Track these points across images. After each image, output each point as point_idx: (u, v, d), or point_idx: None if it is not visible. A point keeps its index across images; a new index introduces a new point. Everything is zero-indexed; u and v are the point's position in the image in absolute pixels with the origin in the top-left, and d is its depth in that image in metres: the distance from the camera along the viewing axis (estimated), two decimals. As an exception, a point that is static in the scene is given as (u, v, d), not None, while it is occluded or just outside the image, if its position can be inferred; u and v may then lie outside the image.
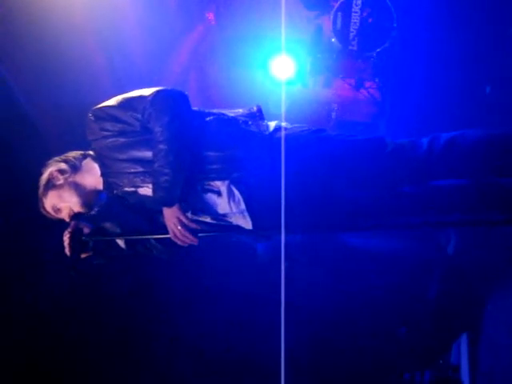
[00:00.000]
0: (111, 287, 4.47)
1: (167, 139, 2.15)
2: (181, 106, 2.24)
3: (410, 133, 2.50)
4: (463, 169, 2.26)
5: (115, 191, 2.39)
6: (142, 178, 2.30)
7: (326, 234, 4.21)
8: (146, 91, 2.24)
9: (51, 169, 2.41)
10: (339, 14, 4.66)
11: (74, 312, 4.33)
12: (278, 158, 2.25)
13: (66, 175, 2.39)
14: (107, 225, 2.49)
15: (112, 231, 2.48)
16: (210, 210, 2.36)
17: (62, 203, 2.39)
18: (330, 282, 4.49)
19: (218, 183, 2.29)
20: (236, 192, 2.30)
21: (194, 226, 2.27)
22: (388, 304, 4.15)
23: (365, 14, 4.62)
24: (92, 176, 2.42)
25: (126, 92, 2.34)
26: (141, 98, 2.23)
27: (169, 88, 2.26)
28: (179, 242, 2.29)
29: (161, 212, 2.28)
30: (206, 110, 2.43)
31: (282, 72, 4.88)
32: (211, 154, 2.27)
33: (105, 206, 2.49)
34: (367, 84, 4.99)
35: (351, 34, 4.67)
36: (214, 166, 2.27)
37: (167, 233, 2.30)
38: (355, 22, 4.65)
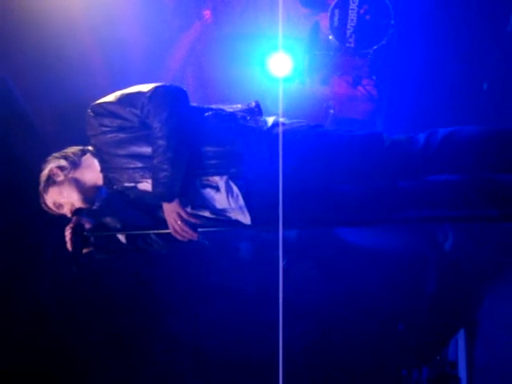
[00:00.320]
0: (110, 287, 4.47)
1: (166, 135, 2.16)
2: (179, 101, 2.25)
3: (407, 130, 2.51)
4: (460, 164, 2.27)
5: (115, 186, 2.41)
6: (141, 173, 2.31)
7: (323, 230, 4.22)
8: (145, 87, 2.25)
9: (51, 165, 2.42)
10: (336, 11, 4.65)
11: (73, 311, 4.33)
12: (276, 153, 2.26)
13: (66, 171, 2.41)
14: (108, 220, 2.51)
15: (113, 226, 2.51)
16: (208, 205, 2.37)
17: (63, 199, 2.41)
18: (326, 279, 4.50)
19: (216, 178, 2.30)
20: (234, 187, 2.31)
21: (193, 220, 2.29)
22: (385, 301, 4.16)
23: (362, 11, 4.62)
24: (92, 172, 2.43)
25: (124, 89, 2.35)
26: (139, 93, 2.23)
27: (167, 84, 2.26)
28: (179, 237, 2.31)
29: (161, 207, 2.30)
30: (205, 106, 2.44)
31: (280, 69, 4.87)
32: (209, 149, 2.28)
33: (105, 201, 2.50)
34: (364, 81, 4.98)
35: (348, 32, 4.67)
36: (212, 162, 2.28)
37: (167, 228, 2.31)
38: (352, 19, 4.64)
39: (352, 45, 4.69)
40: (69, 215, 2.42)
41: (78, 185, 2.40)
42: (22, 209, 3.89)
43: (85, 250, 2.47)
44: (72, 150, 2.48)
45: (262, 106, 2.54)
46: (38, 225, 3.91)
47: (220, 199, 2.34)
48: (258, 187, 2.31)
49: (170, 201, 2.24)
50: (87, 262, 2.48)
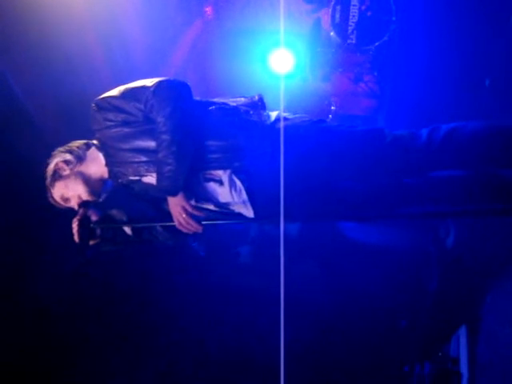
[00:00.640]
0: (112, 287, 4.48)
1: (170, 129, 2.17)
2: (183, 96, 2.25)
3: (409, 126, 2.50)
4: (463, 160, 2.26)
5: (120, 180, 2.42)
6: (145, 167, 2.33)
7: (325, 228, 4.22)
8: (149, 81, 2.25)
9: (57, 160, 2.43)
10: (338, 7, 4.65)
11: (74, 309, 4.34)
12: (278, 147, 2.26)
13: (72, 165, 2.42)
14: (114, 212, 2.53)
15: (119, 218, 2.52)
16: (212, 198, 2.38)
17: (69, 192, 2.43)
18: (328, 277, 4.50)
19: (219, 172, 2.31)
20: (237, 181, 2.32)
21: (198, 213, 2.30)
22: (387, 297, 4.16)
23: (363, 8, 4.62)
24: (97, 165, 2.45)
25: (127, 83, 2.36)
26: (143, 88, 2.24)
27: (171, 78, 2.27)
28: (184, 230, 2.33)
29: (165, 199, 2.32)
30: (208, 100, 2.45)
31: (281, 66, 4.87)
32: (213, 143, 2.28)
33: (111, 193, 2.52)
34: (366, 77, 4.98)
35: (350, 28, 4.67)
36: (216, 156, 2.28)
37: (172, 220, 2.33)
38: (354, 16, 4.64)
39: (353, 41, 4.68)
40: (76, 208, 2.44)
41: (84, 178, 2.42)
42: (21, 205, 3.90)
43: (91, 242, 2.49)
44: (76, 144, 2.50)
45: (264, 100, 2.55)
46: (38, 221, 3.93)
47: (223, 193, 2.35)
48: (261, 181, 2.31)
49: (174, 195, 2.26)
50: (94, 254, 2.50)
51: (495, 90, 4.08)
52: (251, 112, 2.40)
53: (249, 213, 2.39)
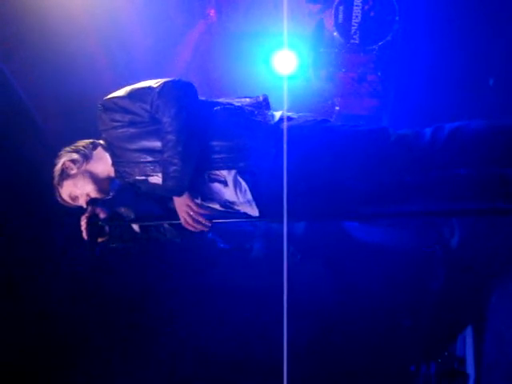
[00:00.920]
0: (114, 286, 4.48)
1: (175, 130, 2.18)
2: (188, 96, 2.27)
3: (413, 125, 2.50)
4: (466, 159, 2.26)
5: (126, 179, 2.45)
6: (151, 167, 2.35)
7: (329, 227, 4.21)
8: (154, 82, 2.28)
9: (64, 159, 2.47)
10: (341, 7, 4.64)
11: (75, 311, 4.35)
12: (282, 147, 2.27)
13: (79, 164, 2.45)
14: (122, 210, 2.56)
15: (127, 216, 2.56)
16: (217, 198, 2.41)
17: (78, 191, 2.46)
18: (332, 275, 4.50)
19: (224, 173, 2.32)
20: (242, 182, 2.33)
21: (203, 211, 2.34)
22: (393, 297, 4.16)
23: (366, 8, 4.60)
24: (103, 164, 2.48)
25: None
26: (149, 88, 2.26)
27: (176, 79, 2.29)
28: (191, 229, 2.36)
29: (171, 198, 2.36)
30: (213, 100, 2.46)
31: (285, 67, 4.87)
32: (217, 143, 2.30)
33: (119, 192, 2.55)
34: (369, 77, 4.97)
35: (353, 28, 4.66)
36: (220, 156, 2.30)
37: (179, 218, 2.36)
38: (357, 16, 4.63)
39: (357, 41, 4.67)
40: (85, 206, 2.48)
41: (92, 177, 2.46)
42: (24, 206, 3.91)
43: (100, 240, 2.52)
44: (82, 143, 2.53)
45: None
46: (41, 221, 3.94)
47: (228, 193, 2.38)
48: (266, 181, 2.33)
49: (179, 195, 2.29)
50: (102, 251, 2.52)
51: (499, 89, 4.07)
52: (256, 112, 2.42)
53: (254, 212, 2.42)
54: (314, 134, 2.34)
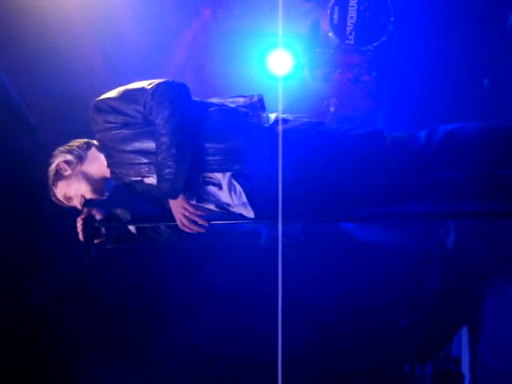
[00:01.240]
0: (112, 286, 4.48)
1: (169, 132, 2.17)
2: (182, 98, 2.25)
3: (408, 126, 2.51)
4: (462, 161, 2.26)
5: (122, 180, 2.43)
6: (147, 168, 2.34)
7: (326, 229, 4.21)
8: (147, 83, 2.26)
9: (58, 160, 2.45)
10: (336, 8, 4.64)
11: (74, 311, 4.34)
12: (277, 150, 2.26)
13: (73, 165, 2.44)
14: (118, 211, 2.56)
15: (123, 217, 2.55)
16: (212, 199, 2.40)
17: (72, 192, 2.45)
18: (329, 276, 4.49)
19: (218, 175, 2.31)
20: (237, 185, 2.32)
21: (200, 213, 2.32)
22: (389, 297, 4.16)
23: (362, 8, 4.60)
24: (98, 165, 2.47)
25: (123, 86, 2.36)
26: (142, 90, 2.25)
27: (170, 80, 2.28)
28: (187, 230, 2.35)
29: (167, 199, 2.33)
30: (208, 101, 2.44)
31: (280, 67, 4.86)
32: (212, 145, 2.29)
33: (115, 192, 2.55)
34: (365, 78, 4.97)
35: (348, 29, 4.65)
36: (215, 158, 2.29)
37: (174, 219, 2.35)
38: (352, 16, 4.63)
39: (352, 42, 4.67)
40: (79, 207, 2.47)
41: (86, 177, 2.44)
42: (21, 206, 3.90)
43: (96, 241, 2.51)
44: (76, 143, 2.51)
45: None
46: (35, 221, 3.93)
47: (223, 196, 2.37)
48: (261, 184, 2.32)
49: (174, 197, 2.27)
50: (99, 253, 2.51)
51: (494, 89, 4.08)
52: (250, 113, 2.40)
53: (249, 214, 2.41)
54: (309, 138, 2.34)
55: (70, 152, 2.46)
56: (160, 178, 2.23)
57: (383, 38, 4.61)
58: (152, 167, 2.31)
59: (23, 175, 3.78)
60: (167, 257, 4.37)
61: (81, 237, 2.46)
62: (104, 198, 2.53)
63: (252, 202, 2.36)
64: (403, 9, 4.57)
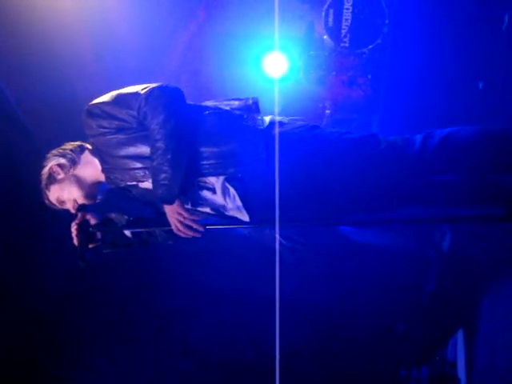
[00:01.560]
0: (112, 287, 4.47)
1: (164, 137, 2.16)
2: (176, 102, 2.24)
3: (403, 128, 2.51)
4: (457, 165, 2.26)
5: (117, 185, 2.43)
6: (142, 173, 2.33)
7: (323, 232, 4.20)
8: (141, 88, 2.25)
9: (51, 163, 2.44)
10: (331, 10, 4.63)
11: (73, 310, 4.33)
12: (272, 154, 2.25)
13: (66, 169, 2.43)
14: (113, 215, 2.54)
15: (117, 221, 2.53)
16: (207, 203, 2.39)
17: (65, 195, 2.44)
18: (326, 279, 4.49)
19: (212, 180, 2.31)
20: (231, 188, 2.31)
21: (195, 218, 2.30)
22: (384, 301, 4.16)
23: (357, 11, 4.61)
24: (91, 168, 2.46)
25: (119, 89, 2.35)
26: (136, 95, 2.23)
27: (163, 84, 2.26)
28: (182, 235, 2.33)
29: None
30: (203, 104, 2.43)
31: (275, 69, 4.86)
32: (206, 149, 2.28)
33: (109, 195, 2.54)
34: (360, 81, 4.97)
35: (343, 31, 4.65)
36: (209, 162, 2.28)
37: (170, 225, 2.33)
38: (347, 19, 4.63)
39: (347, 44, 4.67)
40: (72, 211, 2.45)
41: (79, 182, 2.43)
42: (18, 208, 3.89)
43: (91, 246, 2.50)
44: (70, 146, 2.50)
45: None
46: (29, 224, 3.91)
47: (217, 200, 2.36)
48: (255, 187, 2.31)
49: (170, 203, 2.25)
50: (93, 257, 2.50)
51: (489, 92, 4.09)
52: (245, 116, 2.39)
53: (244, 217, 2.40)
54: (304, 141, 2.33)
55: (63, 155, 2.45)
56: (155, 183, 2.22)
57: (378, 41, 4.61)
58: (147, 172, 2.30)
59: (19, 179, 3.77)
60: (164, 260, 4.36)
61: (76, 242, 2.44)
62: (97, 201, 2.52)
63: (246, 206, 2.35)
64: (398, 11, 4.57)
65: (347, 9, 4.61)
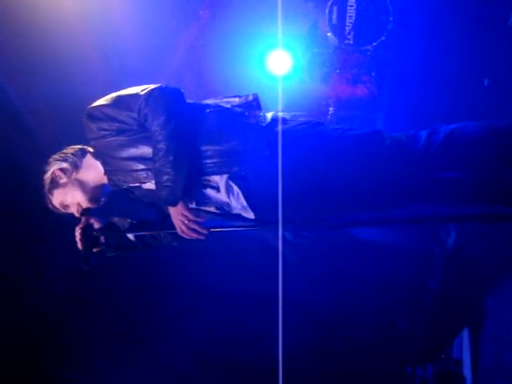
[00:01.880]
0: (114, 287, 4.47)
1: (165, 138, 2.15)
2: (176, 103, 2.23)
3: (408, 125, 2.48)
4: (462, 162, 2.22)
5: (120, 187, 2.42)
6: (145, 175, 2.32)
7: (325, 230, 4.18)
8: (141, 89, 2.24)
9: (53, 168, 2.43)
10: (335, 7, 4.62)
11: (75, 311, 4.33)
12: (275, 151, 2.24)
13: (69, 174, 2.42)
14: (115, 219, 2.55)
15: (121, 225, 2.54)
16: (211, 202, 2.38)
17: (69, 199, 2.43)
18: (328, 277, 4.48)
19: (216, 178, 2.30)
20: (234, 186, 2.30)
21: (199, 220, 2.30)
22: (387, 299, 4.14)
23: (360, 8, 4.59)
24: (94, 172, 2.45)
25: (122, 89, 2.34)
26: (136, 96, 2.22)
27: (163, 85, 2.25)
28: (186, 237, 2.33)
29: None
30: (203, 102, 2.42)
31: (279, 67, 4.85)
32: (209, 148, 2.27)
33: (112, 198, 2.54)
34: (364, 78, 4.96)
35: (347, 28, 4.64)
36: (213, 161, 2.27)
37: (174, 227, 2.32)
38: (351, 16, 4.61)
39: (351, 42, 4.66)
40: (77, 215, 2.45)
41: (82, 185, 2.43)
42: (18, 210, 3.89)
43: (95, 249, 2.49)
44: (71, 150, 2.49)
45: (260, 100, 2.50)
46: (33, 227, 3.92)
47: (221, 198, 2.35)
48: (259, 185, 2.30)
49: (174, 204, 2.25)
50: (97, 261, 2.50)
51: (494, 89, 4.06)
52: (246, 113, 2.38)
53: (248, 215, 2.39)
54: (308, 137, 2.31)
55: (65, 160, 2.44)
56: (159, 185, 2.21)
57: (382, 38, 4.59)
58: (150, 173, 2.29)
59: (21, 180, 3.77)
60: (164, 260, 4.36)
61: (80, 246, 2.44)
62: (101, 204, 2.51)
63: (250, 203, 2.33)
64: (402, 8, 4.55)
65: (351, 6, 4.60)
